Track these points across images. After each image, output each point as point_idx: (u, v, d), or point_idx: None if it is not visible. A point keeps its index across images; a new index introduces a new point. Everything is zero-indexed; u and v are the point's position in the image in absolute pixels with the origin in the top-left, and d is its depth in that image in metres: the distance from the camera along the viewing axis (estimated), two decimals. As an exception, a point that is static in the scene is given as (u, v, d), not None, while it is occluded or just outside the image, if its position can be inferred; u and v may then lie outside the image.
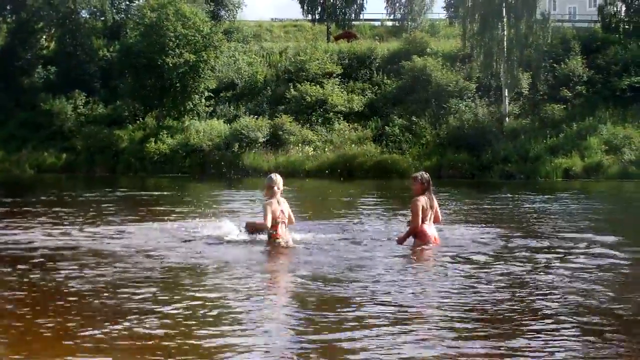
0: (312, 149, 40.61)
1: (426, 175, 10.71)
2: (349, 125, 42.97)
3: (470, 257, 9.53)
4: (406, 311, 6.52)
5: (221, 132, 41.85)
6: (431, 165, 37.12)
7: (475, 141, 38.15)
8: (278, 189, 10.00)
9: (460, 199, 21.92)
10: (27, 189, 28.35)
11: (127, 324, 5.99)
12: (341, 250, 10.12)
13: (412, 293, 7.29)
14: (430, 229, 10.52)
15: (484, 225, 13.52)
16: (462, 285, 7.65)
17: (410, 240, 10.53)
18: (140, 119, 45.86)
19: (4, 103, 48.41)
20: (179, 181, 33.93)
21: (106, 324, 6.01)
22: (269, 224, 10.00)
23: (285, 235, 10.07)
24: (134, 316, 6.25)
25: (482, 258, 9.46)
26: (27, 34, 51.47)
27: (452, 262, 9.13)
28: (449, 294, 7.18)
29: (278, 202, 9.99)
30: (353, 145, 40.41)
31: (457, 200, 21.45)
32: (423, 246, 10.28)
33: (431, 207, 10.52)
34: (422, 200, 10.40)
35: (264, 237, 10.34)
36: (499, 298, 7.05)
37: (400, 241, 10.60)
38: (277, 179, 10.11)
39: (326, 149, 40.59)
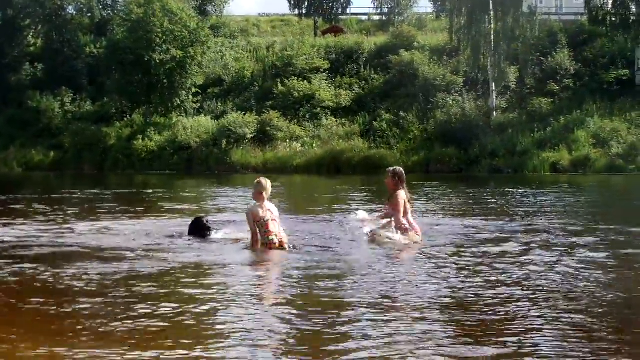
0: (300, 145, 40.58)
1: (399, 170, 10.95)
2: (336, 121, 42.88)
3: (461, 252, 9.57)
4: (399, 308, 6.55)
5: (209, 129, 41.79)
6: (419, 159, 37.17)
7: (463, 135, 38.13)
8: (267, 194, 9.92)
9: (448, 193, 21.96)
10: (15, 187, 28.21)
11: (120, 323, 5.97)
12: (332, 247, 10.17)
13: (404, 289, 7.30)
14: (413, 222, 10.72)
15: (473, 219, 13.55)
16: (453, 280, 7.67)
17: (389, 233, 10.57)
18: (128, 115, 45.74)
19: (-10, 101, 48.29)
20: (166, 178, 33.86)
21: (99, 323, 5.99)
22: (255, 229, 9.87)
23: (279, 232, 9.89)
24: (127, 314, 6.26)
25: (473, 253, 9.49)
26: (14, 31, 51.26)
27: (441, 257, 9.16)
28: (441, 290, 7.20)
29: (262, 206, 9.85)
30: (341, 141, 40.35)
31: (445, 194, 21.49)
32: (409, 240, 10.37)
33: (409, 200, 10.76)
34: (403, 195, 10.59)
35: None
36: (493, 294, 7.04)
37: (373, 237, 10.62)
38: (265, 183, 9.99)
39: (314, 145, 40.56)
